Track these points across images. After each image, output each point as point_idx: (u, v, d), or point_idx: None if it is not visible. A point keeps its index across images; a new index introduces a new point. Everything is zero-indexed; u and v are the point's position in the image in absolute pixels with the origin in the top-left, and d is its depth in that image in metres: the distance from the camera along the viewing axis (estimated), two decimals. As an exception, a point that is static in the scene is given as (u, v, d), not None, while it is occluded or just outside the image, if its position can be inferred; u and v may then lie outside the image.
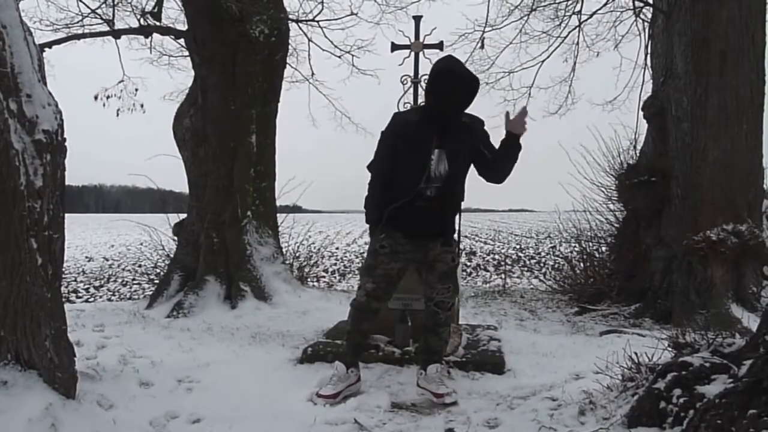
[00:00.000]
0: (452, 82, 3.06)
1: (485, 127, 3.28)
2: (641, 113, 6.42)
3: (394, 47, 4.70)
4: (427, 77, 3.20)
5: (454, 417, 2.92)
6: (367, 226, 3.33)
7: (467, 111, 3.22)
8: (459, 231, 3.60)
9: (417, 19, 4.68)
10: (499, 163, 3.22)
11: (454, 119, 3.15)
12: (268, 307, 5.72)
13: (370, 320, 3.32)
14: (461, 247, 19.45)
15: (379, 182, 3.26)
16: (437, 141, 3.10)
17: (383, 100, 5.35)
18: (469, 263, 15.77)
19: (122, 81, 8.35)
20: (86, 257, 20.18)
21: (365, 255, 3.51)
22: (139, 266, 14.64)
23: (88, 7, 7.26)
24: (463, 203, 3.44)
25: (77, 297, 11.53)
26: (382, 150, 3.27)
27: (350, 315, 3.36)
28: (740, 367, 2.23)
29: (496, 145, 3.21)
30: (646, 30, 7.27)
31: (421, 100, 4.53)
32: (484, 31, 8.22)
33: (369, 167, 3.34)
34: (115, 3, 7.14)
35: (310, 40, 8.57)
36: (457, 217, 3.44)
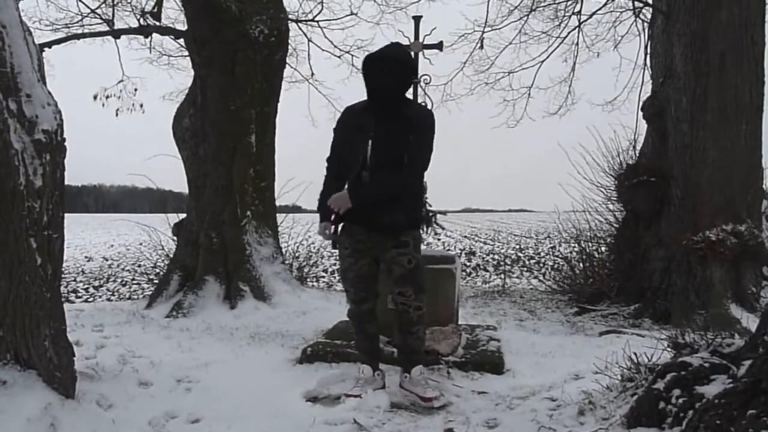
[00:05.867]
0: (380, 66, 3.04)
1: (432, 122, 3.16)
2: (641, 114, 6.43)
3: (394, 47, 4.69)
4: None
5: (453, 417, 2.92)
6: None
7: (421, 102, 3.13)
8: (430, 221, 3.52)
9: (417, 19, 4.68)
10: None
11: (394, 106, 3.10)
12: (267, 307, 5.71)
13: (369, 322, 3.28)
14: (461, 247, 19.52)
15: (331, 176, 3.25)
16: (375, 127, 3.07)
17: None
18: (468, 263, 15.76)
19: (122, 81, 8.37)
20: (86, 257, 20.16)
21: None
22: (139, 266, 14.61)
23: (88, 6, 7.28)
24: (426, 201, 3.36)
25: (77, 297, 11.52)
26: (334, 143, 3.28)
27: (351, 323, 3.36)
28: (739, 367, 2.23)
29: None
30: (646, 30, 7.28)
31: (420, 99, 4.54)
32: (483, 32, 8.26)
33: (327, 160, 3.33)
34: (115, 3, 7.15)
35: (309, 40, 8.60)
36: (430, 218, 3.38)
